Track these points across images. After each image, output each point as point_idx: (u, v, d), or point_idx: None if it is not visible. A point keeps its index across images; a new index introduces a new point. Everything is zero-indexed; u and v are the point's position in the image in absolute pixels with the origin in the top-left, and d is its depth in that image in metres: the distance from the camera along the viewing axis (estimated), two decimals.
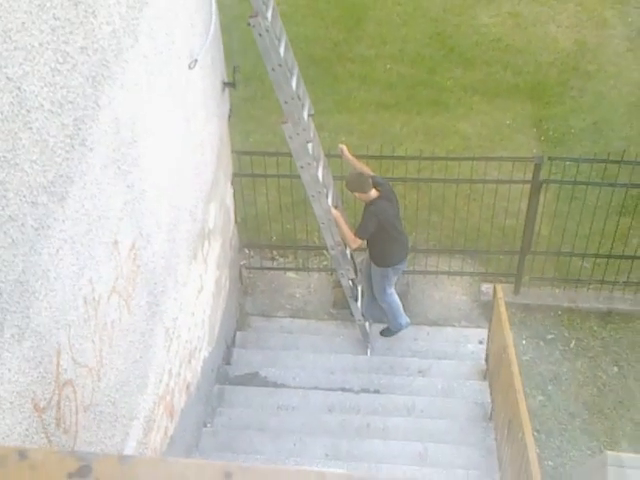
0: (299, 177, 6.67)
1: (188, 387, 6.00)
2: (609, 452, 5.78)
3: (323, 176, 6.76)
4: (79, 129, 3.52)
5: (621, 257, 8.05)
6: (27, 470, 0.63)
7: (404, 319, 7.71)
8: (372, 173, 7.17)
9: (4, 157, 2.80)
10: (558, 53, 11.36)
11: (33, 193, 3.06)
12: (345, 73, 11.12)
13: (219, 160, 6.77)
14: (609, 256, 8.03)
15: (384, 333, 7.88)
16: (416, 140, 9.83)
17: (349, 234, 6.96)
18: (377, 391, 7.23)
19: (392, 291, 7.56)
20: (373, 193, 6.90)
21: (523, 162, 7.79)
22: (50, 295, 3.28)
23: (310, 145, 6.52)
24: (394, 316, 7.69)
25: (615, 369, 7.65)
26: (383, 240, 7.09)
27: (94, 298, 3.84)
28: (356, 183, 6.91)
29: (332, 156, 7.32)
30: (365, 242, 7.21)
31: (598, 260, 8.12)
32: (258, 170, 7.81)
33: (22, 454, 0.64)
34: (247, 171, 7.76)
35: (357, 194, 6.95)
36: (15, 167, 2.89)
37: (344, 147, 7.20)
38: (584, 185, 7.75)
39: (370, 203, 6.93)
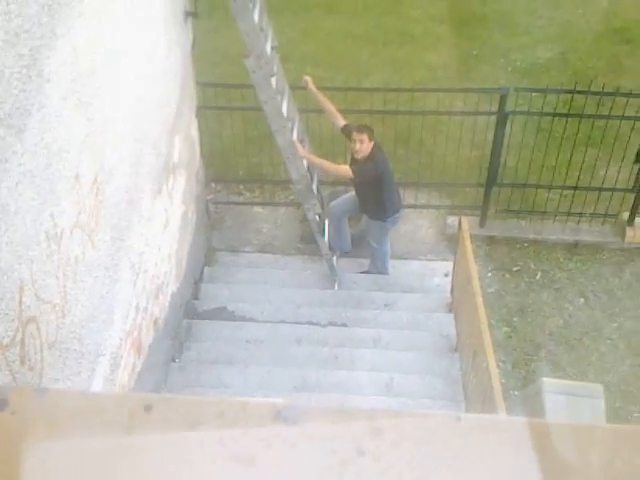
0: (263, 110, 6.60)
1: (156, 322, 6.00)
2: (545, 379, 5.89)
3: (287, 110, 6.68)
4: (36, 59, 3.43)
5: (588, 189, 8.08)
6: None
7: (390, 267, 7.79)
8: (334, 109, 7.12)
9: None
10: None
11: None
12: (311, 1, 10.96)
13: (182, 92, 6.66)
14: (576, 188, 8.06)
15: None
16: (383, 71, 9.74)
17: (330, 164, 7.00)
18: (344, 324, 7.28)
19: (387, 241, 7.65)
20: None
21: (489, 93, 7.76)
22: (10, 230, 3.24)
23: (273, 79, 6.42)
24: (383, 263, 7.80)
25: (581, 300, 7.75)
26: (380, 193, 7.10)
27: (56, 233, 3.79)
28: (369, 128, 6.92)
29: (297, 88, 7.23)
30: (360, 196, 7.28)
31: (565, 192, 8.16)
32: (223, 103, 7.71)
33: None
34: (212, 104, 7.66)
35: (363, 138, 6.83)
36: None
37: (309, 79, 7.11)
38: (550, 116, 7.73)
39: (371, 153, 6.89)
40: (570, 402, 5.54)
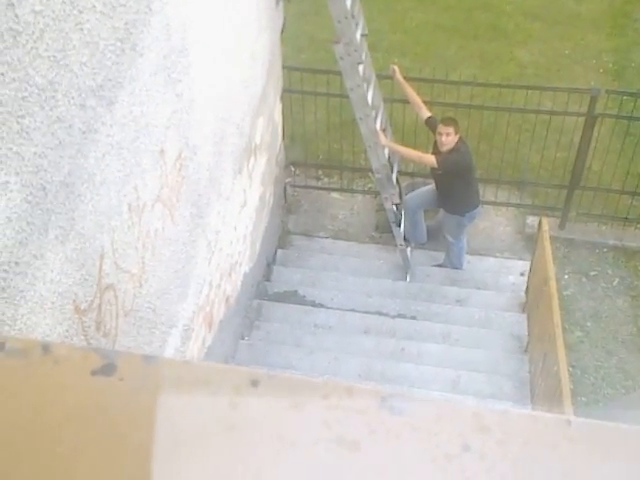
0: (348, 97, 6.58)
1: (227, 300, 6.07)
2: None
3: (372, 98, 6.65)
4: (130, 33, 3.47)
5: None
6: (50, 364, 0.63)
7: (465, 262, 7.75)
8: (419, 100, 7.07)
9: (54, 57, 2.77)
10: None
11: (82, 96, 3.04)
12: None
13: (269, 75, 6.69)
14: None
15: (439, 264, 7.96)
16: (471, 65, 9.63)
17: (414, 152, 6.99)
18: (414, 317, 7.24)
19: (464, 236, 7.59)
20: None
21: (579, 94, 7.60)
22: (95, 199, 3.30)
23: (361, 67, 6.40)
24: (458, 258, 7.74)
25: None
26: (461, 187, 7.03)
27: (138, 205, 3.85)
28: (455, 121, 6.87)
29: (383, 77, 7.20)
30: (439, 189, 7.23)
31: None
32: (308, 88, 7.72)
33: (45, 348, 0.63)
34: (297, 88, 7.68)
35: (449, 131, 6.76)
36: (65, 68, 2.87)
37: (396, 68, 7.07)
38: None
39: (456, 146, 6.83)
40: None
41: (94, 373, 0.62)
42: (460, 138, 6.84)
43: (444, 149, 6.81)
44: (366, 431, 0.60)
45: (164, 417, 0.61)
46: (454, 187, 7.01)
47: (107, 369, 0.62)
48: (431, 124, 6.98)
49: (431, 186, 7.43)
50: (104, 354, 0.63)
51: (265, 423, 0.60)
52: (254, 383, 0.62)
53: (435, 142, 6.95)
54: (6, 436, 0.59)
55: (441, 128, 6.79)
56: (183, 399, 0.61)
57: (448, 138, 6.77)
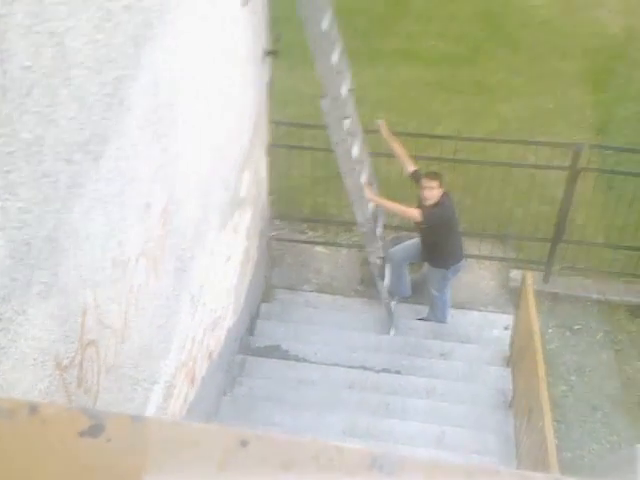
0: (334, 151, 6.63)
1: (210, 355, 6.02)
2: None
3: (358, 153, 6.71)
4: (118, 88, 3.49)
5: None
6: (37, 425, 0.62)
7: (448, 316, 7.75)
8: (405, 153, 7.14)
9: (42, 112, 2.78)
10: (606, 39, 11.19)
11: (68, 150, 3.04)
12: (388, 48, 11.04)
13: (255, 129, 6.73)
14: None
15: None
16: (455, 120, 9.74)
17: (399, 206, 7.03)
18: (398, 372, 7.21)
19: (448, 289, 7.59)
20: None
21: (562, 148, 7.69)
22: (79, 254, 3.28)
23: (347, 121, 6.47)
24: (442, 312, 7.73)
25: None
26: (445, 240, 7.08)
27: (123, 260, 3.83)
28: (439, 175, 6.91)
29: (369, 132, 7.27)
30: (424, 242, 7.24)
31: (631, 253, 8.01)
32: (294, 142, 7.78)
33: (33, 408, 0.62)
34: (283, 142, 7.73)
35: (433, 185, 6.80)
36: (52, 123, 2.87)
37: (383, 122, 7.14)
38: (623, 175, 7.63)
39: (440, 199, 6.87)
40: None
41: (82, 434, 0.61)
42: (444, 192, 6.88)
43: (428, 203, 6.84)
44: None
45: (152, 478, 0.60)
46: (438, 240, 7.04)
47: (95, 430, 0.61)
48: (416, 177, 7.03)
49: (416, 240, 7.46)
50: (92, 414, 0.62)
51: None
52: (243, 443, 0.61)
53: (419, 196, 6.97)
54: None
55: (425, 182, 6.82)
56: (172, 460, 0.60)
57: (432, 192, 6.80)
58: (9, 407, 0.62)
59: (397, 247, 7.73)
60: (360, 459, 0.62)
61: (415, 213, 6.89)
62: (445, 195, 6.90)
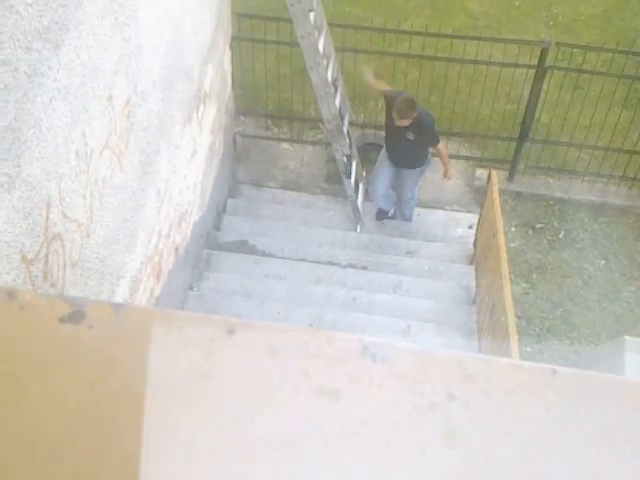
0: (299, 45, 6.49)
1: (177, 250, 6.00)
2: (627, 337, 5.80)
3: (324, 47, 6.58)
4: None
5: (619, 151, 7.98)
6: (16, 311, 0.59)
7: (415, 215, 7.86)
8: (390, 89, 7.04)
9: None
10: None
11: (27, 38, 2.94)
12: None
13: (218, 21, 6.56)
14: (607, 149, 7.96)
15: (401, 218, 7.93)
16: (422, 15, 9.56)
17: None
18: (364, 267, 7.27)
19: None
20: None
21: (529, 46, 7.61)
22: (42, 145, 3.21)
23: (312, 14, 6.31)
24: (411, 212, 7.77)
25: (602, 262, 7.68)
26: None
27: (86, 152, 3.76)
28: (409, 110, 6.63)
29: (334, 25, 7.12)
30: (403, 150, 7.02)
31: (596, 152, 8.05)
32: (258, 35, 7.60)
33: (10, 295, 0.60)
34: (246, 35, 7.55)
35: (407, 122, 6.66)
36: (10, 9, 2.77)
37: (370, 74, 7.02)
38: (589, 74, 7.59)
39: (421, 116, 6.73)
40: None
41: (62, 320, 0.59)
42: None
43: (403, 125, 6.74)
44: (347, 380, 0.58)
45: (136, 366, 0.58)
46: (424, 144, 6.99)
47: (75, 316, 0.59)
48: (388, 100, 6.91)
49: (383, 167, 7.36)
50: (72, 301, 0.60)
51: (242, 373, 0.58)
52: (230, 332, 0.59)
53: (389, 114, 6.87)
54: None
55: (397, 119, 6.67)
56: (156, 348, 0.58)
57: (406, 121, 6.69)
58: None
59: (374, 184, 7.57)
60: (351, 347, 0.61)
61: (443, 148, 7.08)
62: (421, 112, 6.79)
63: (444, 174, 7.35)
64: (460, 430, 0.56)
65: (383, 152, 7.36)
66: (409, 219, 7.79)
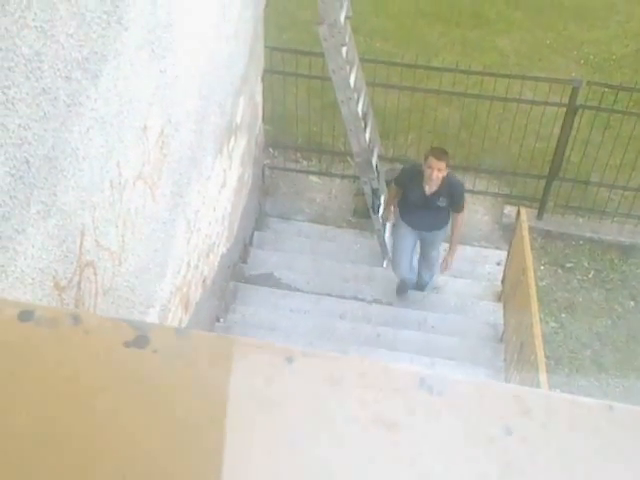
0: (330, 79, 6.55)
1: (204, 281, 6.03)
2: None
3: (355, 81, 6.63)
4: (117, 6, 3.42)
5: None
6: (81, 334, 0.60)
7: None
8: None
9: (42, 27, 2.72)
10: None
11: (67, 67, 2.99)
12: None
13: (251, 53, 6.63)
14: (637, 190, 7.91)
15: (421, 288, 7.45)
16: (453, 52, 9.61)
17: (462, 223, 6.74)
18: (390, 303, 7.25)
19: None
20: None
21: (560, 85, 7.61)
22: (78, 174, 3.25)
23: (344, 49, 6.37)
24: (437, 270, 7.26)
25: (632, 303, 7.61)
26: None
27: (120, 182, 3.80)
28: (444, 153, 6.31)
29: (366, 61, 7.18)
30: (429, 214, 6.58)
31: (626, 193, 8.01)
32: (289, 69, 7.67)
33: (75, 318, 0.61)
34: (278, 69, 7.62)
35: (443, 164, 6.18)
36: (51, 39, 2.82)
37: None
38: (620, 114, 7.58)
39: (450, 176, 6.40)
40: None
41: (127, 345, 0.60)
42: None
43: (433, 187, 6.37)
44: (404, 411, 0.59)
45: (199, 391, 0.59)
46: (453, 207, 6.58)
47: (140, 341, 0.60)
48: (399, 180, 6.77)
49: (404, 240, 6.94)
50: (136, 326, 0.61)
51: (301, 400, 0.58)
52: (289, 360, 0.60)
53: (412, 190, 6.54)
54: (38, 405, 0.57)
55: (432, 162, 6.19)
56: (218, 373, 0.59)
57: (440, 174, 6.24)
58: (51, 316, 0.61)
59: (398, 259, 7.10)
60: (408, 378, 0.61)
61: (463, 216, 6.68)
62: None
63: (445, 258, 6.84)
64: (517, 464, 0.57)
65: (400, 224, 6.91)
66: (429, 281, 7.37)
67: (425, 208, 6.50)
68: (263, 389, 0.59)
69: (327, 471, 0.56)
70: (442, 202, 6.42)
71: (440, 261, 7.04)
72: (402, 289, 7.33)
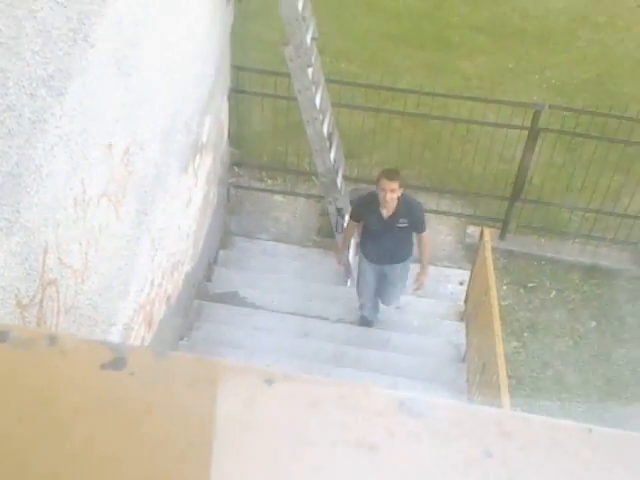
0: (296, 99, 6.57)
1: (168, 299, 5.99)
2: None
3: (321, 102, 6.66)
4: (83, 24, 3.41)
5: (610, 214, 8.03)
6: (57, 356, 0.59)
7: None
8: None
9: (7, 44, 2.70)
10: (569, 1, 11.18)
11: (32, 85, 2.97)
12: None
13: (218, 72, 6.63)
14: (598, 211, 8.02)
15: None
16: (417, 74, 9.68)
17: (429, 245, 6.62)
18: (353, 322, 7.25)
19: None
20: None
21: (522, 108, 7.71)
22: (41, 191, 3.22)
23: (310, 70, 6.41)
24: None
25: (593, 323, 7.69)
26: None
27: (84, 200, 3.77)
28: (395, 172, 6.15)
29: (331, 81, 7.21)
30: (392, 244, 6.39)
31: (587, 214, 8.11)
32: (255, 89, 7.67)
33: (52, 339, 0.60)
34: (244, 88, 7.63)
35: (396, 185, 5.96)
36: (17, 56, 2.80)
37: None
38: (582, 137, 7.69)
39: (406, 195, 6.24)
40: None
41: (104, 367, 0.59)
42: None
43: (390, 208, 6.15)
44: (385, 433, 0.58)
45: (177, 414, 0.58)
46: (415, 228, 6.38)
47: (117, 363, 0.59)
48: (355, 210, 6.63)
49: (367, 275, 6.79)
50: (114, 347, 0.60)
51: (281, 423, 0.58)
52: (269, 382, 0.59)
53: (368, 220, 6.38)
54: (13, 429, 0.56)
55: (385, 183, 5.99)
56: (197, 396, 0.59)
57: (394, 195, 6.03)
58: (27, 337, 0.60)
59: (362, 293, 6.99)
60: (388, 400, 0.61)
61: (428, 237, 6.55)
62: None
63: (417, 278, 6.65)
64: None
65: (362, 261, 6.78)
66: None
67: (387, 233, 6.27)
68: (242, 412, 0.58)
69: None
70: (402, 223, 6.19)
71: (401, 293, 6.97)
72: (362, 322, 7.27)
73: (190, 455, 0.56)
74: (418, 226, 6.33)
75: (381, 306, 7.17)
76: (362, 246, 6.68)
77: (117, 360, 0.59)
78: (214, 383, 0.59)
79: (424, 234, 6.44)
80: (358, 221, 6.51)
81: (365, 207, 6.35)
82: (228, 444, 0.57)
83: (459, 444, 0.58)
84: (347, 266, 7.61)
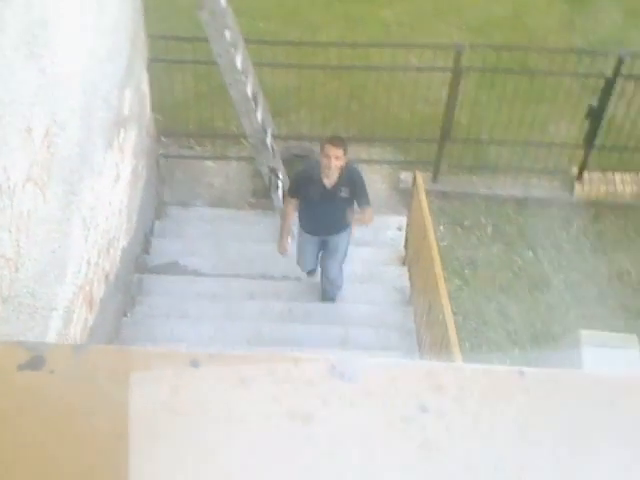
0: (216, 63, 6.48)
1: (107, 277, 5.91)
2: (584, 331, 5.90)
3: (242, 63, 6.58)
4: None
5: (538, 145, 8.15)
6: None
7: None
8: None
9: None
10: None
11: None
12: None
13: (134, 44, 6.49)
14: (526, 143, 8.12)
15: (332, 298, 7.05)
16: (336, 27, 9.63)
17: (370, 214, 6.17)
18: (298, 278, 7.25)
19: None
20: None
21: (444, 50, 7.73)
22: None
23: (227, 32, 6.32)
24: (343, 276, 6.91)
25: (530, 254, 7.83)
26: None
27: (9, 186, 3.68)
28: (340, 139, 5.92)
29: (250, 42, 7.12)
30: (332, 212, 6.14)
31: (516, 148, 8.21)
32: (174, 56, 7.54)
33: None
34: (163, 57, 7.49)
35: (341, 152, 5.74)
36: None
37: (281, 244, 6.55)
38: (504, 73, 7.75)
39: (349, 164, 6.01)
40: (611, 355, 5.57)
41: (21, 368, 0.57)
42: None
43: (333, 177, 5.92)
44: (318, 402, 0.58)
45: (102, 408, 0.56)
46: (356, 198, 6.10)
47: (35, 362, 0.57)
48: (296, 179, 6.31)
49: (307, 246, 6.64)
50: (30, 346, 0.58)
51: (210, 405, 0.57)
52: (194, 364, 0.58)
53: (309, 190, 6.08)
54: None
55: (330, 150, 5.72)
56: (120, 388, 0.57)
57: (338, 162, 5.79)
58: None
59: (302, 264, 6.86)
60: (319, 368, 0.60)
61: (370, 211, 6.16)
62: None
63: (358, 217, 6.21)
64: (435, 441, 0.56)
65: (301, 233, 6.59)
66: (340, 287, 6.95)
67: (328, 203, 6.03)
68: (170, 399, 0.57)
69: (246, 474, 0.55)
70: (344, 192, 5.95)
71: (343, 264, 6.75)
72: (310, 275, 7.12)
73: (119, 448, 0.55)
74: (361, 198, 6.05)
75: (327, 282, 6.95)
76: (301, 218, 6.43)
77: (35, 359, 0.57)
78: (138, 373, 0.58)
79: (368, 209, 6.12)
80: (297, 197, 6.21)
81: (306, 179, 6.08)
82: (157, 432, 0.56)
83: (393, 402, 0.58)
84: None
